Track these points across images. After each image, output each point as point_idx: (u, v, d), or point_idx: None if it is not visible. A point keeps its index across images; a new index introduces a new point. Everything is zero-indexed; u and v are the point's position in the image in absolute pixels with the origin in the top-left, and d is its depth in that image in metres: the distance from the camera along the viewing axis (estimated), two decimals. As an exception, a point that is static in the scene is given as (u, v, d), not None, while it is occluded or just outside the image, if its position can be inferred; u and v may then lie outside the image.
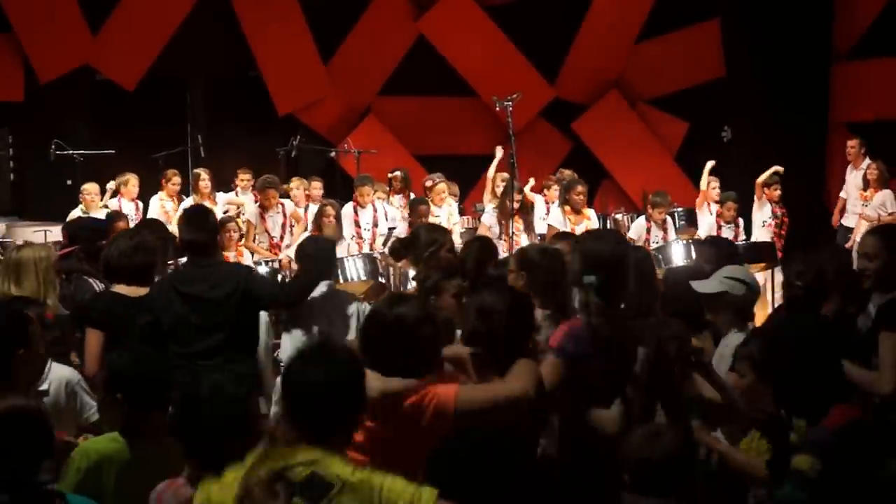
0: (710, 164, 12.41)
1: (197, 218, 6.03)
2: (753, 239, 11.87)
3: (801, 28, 14.59)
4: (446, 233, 6.55)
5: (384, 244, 11.13)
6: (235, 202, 12.53)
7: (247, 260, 10.66)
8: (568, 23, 15.77)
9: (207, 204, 11.90)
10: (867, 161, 12.68)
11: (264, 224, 11.69)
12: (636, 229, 11.63)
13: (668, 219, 11.71)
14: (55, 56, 14.03)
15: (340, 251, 10.48)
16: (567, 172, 12.86)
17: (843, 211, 12.91)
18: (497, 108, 10.69)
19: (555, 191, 12.39)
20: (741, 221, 11.92)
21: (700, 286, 5.32)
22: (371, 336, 4.02)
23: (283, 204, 11.86)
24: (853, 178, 12.78)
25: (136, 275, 5.79)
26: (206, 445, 3.63)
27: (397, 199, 12.55)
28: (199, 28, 14.55)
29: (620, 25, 15.69)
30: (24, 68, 14.11)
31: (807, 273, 5.38)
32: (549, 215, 11.77)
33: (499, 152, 12.50)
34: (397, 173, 12.88)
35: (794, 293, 5.49)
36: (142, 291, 5.76)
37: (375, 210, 11.76)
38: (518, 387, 3.95)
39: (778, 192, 12.13)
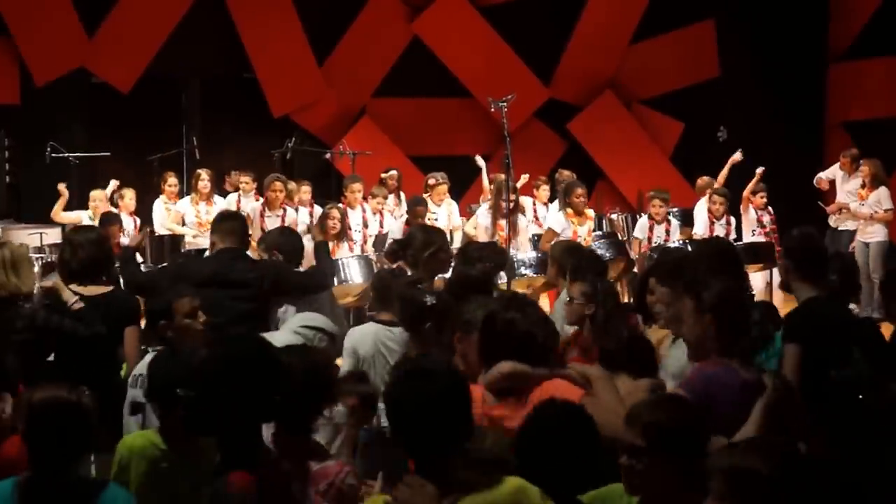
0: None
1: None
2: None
3: (797, 28, 14.62)
4: (442, 234, 6.57)
5: (374, 246, 11.09)
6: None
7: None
8: (562, 23, 15.76)
9: (205, 205, 11.92)
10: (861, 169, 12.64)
11: (262, 223, 11.54)
12: (640, 229, 11.56)
13: (671, 217, 11.63)
14: (51, 58, 14.00)
15: (338, 253, 10.47)
16: (566, 173, 12.81)
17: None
18: (492, 109, 10.66)
19: (544, 191, 12.34)
20: (733, 220, 11.81)
21: (271, 337, 4.66)
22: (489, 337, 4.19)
23: (285, 209, 11.51)
24: (848, 185, 12.69)
25: (98, 269, 5.62)
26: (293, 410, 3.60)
27: (391, 199, 12.50)
28: (195, 30, 14.53)
29: (615, 26, 15.68)
30: (20, 71, 14.09)
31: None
32: (548, 217, 11.70)
33: (480, 162, 13.23)
34: (392, 172, 12.85)
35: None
36: (97, 291, 5.57)
37: (364, 211, 11.66)
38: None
39: (763, 200, 12.04)
